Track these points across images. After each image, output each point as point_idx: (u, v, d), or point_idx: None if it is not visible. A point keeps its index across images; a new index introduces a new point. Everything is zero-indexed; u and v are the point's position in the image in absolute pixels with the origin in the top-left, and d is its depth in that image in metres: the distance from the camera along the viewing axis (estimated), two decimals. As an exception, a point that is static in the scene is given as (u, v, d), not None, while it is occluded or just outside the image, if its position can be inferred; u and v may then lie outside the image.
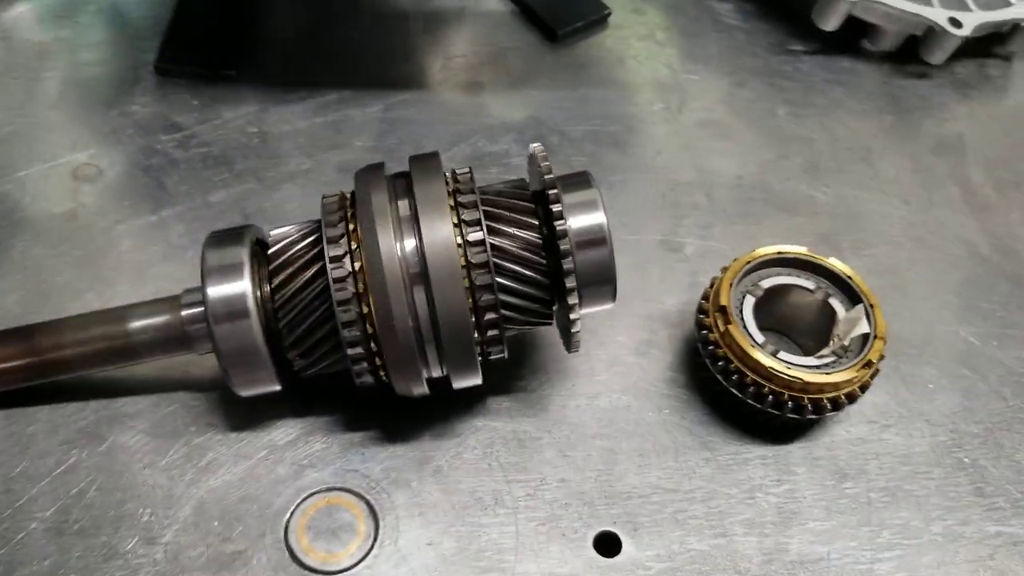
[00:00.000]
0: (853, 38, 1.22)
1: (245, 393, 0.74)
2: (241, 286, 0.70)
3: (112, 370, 0.78)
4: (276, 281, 0.70)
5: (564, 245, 0.68)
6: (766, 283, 0.82)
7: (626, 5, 1.25)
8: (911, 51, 1.19)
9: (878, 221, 1.01)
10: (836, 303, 0.81)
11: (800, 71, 1.19)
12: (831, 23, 1.15)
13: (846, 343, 0.79)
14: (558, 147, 1.06)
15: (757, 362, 0.76)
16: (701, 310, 0.81)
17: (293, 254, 0.71)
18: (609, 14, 1.22)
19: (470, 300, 0.68)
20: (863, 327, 0.78)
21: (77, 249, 0.92)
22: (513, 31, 1.20)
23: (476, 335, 0.70)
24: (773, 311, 0.85)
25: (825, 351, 0.79)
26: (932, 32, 1.15)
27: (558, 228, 0.68)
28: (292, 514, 0.75)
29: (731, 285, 0.80)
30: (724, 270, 0.82)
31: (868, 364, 0.76)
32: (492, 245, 0.69)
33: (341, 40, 1.17)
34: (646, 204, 1.01)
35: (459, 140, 1.06)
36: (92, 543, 0.73)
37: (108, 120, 1.05)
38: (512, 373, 0.85)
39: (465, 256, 0.68)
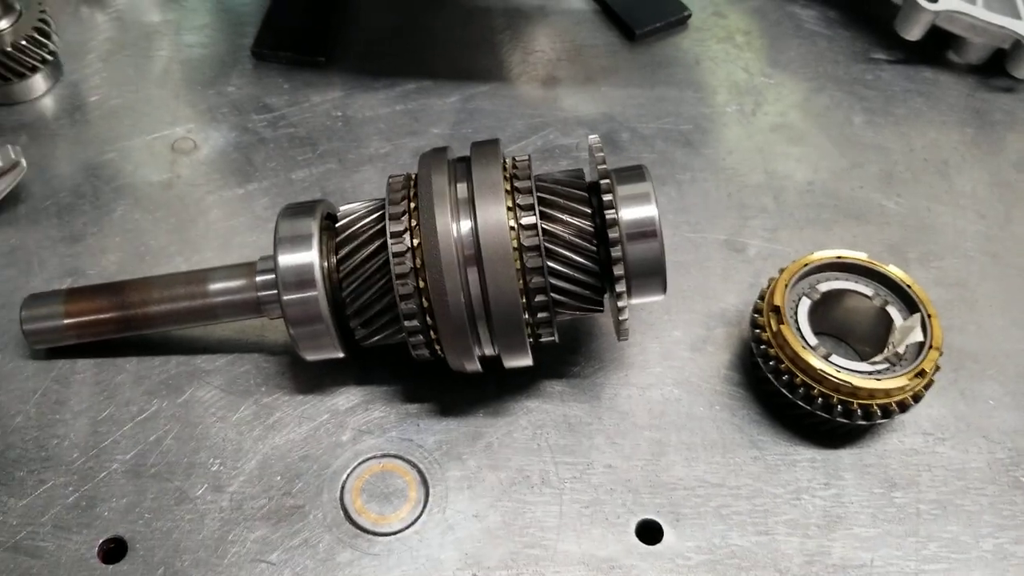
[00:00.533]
0: (938, 49, 1.19)
1: (310, 357, 0.78)
2: (309, 256, 0.73)
3: (193, 328, 0.84)
4: (342, 253, 0.74)
5: (614, 234, 0.69)
6: (823, 287, 0.82)
7: (707, 8, 1.24)
8: (998, 64, 1.15)
9: (951, 234, 0.99)
10: (894, 311, 0.81)
11: (881, 80, 1.16)
12: (914, 33, 1.12)
13: (901, 351, 0.78)
14: (628, 143, 1.07)
15: (807, 363, 0.76)
16: (756, 309, 0.82)
17: (359, 228, 0.74)
18: (689, 15, 1.21)
19: (521, 281, 0.70)
20: (917, 336, 0.78)
21: (171, 216, 0.98)
22: (593, 29, 1.21)
23: (526, 316, 0.72)
24: (829, 315, 0.84)
25: (878, 358, 0.78)
26: (1019, 45, 1.11)
27: (608, 218, 0.69)
28: (348, 476, 0.78)
29: (787, 286, 0.80)
30: (781, 271, 0.82)
31: (921, 373, 0.76)
32: (544, 230, 0.70)
33: (425, 32, 1.20)
34: (712, 204, 1.01)
35: (532, 132, 1.08)
36: (166, 487, 0.77)
37: (206, 99, 1.10)
38: (566, 359, 0.86)
39: (518, 239, 0.70)
